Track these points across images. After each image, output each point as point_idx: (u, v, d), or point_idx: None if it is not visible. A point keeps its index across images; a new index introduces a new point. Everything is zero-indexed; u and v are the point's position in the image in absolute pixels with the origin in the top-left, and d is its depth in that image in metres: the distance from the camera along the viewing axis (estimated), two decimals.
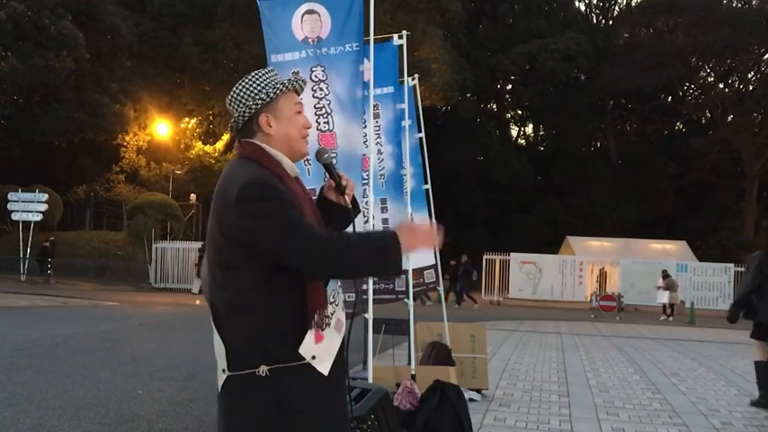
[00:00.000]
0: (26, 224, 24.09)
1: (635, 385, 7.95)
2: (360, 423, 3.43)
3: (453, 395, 4.70)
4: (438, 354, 6.34)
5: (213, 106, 33.06)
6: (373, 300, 4.85)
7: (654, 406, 6.73)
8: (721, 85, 42.47)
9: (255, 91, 2.26)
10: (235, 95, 2.28)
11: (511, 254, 27.83)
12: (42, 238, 24.92)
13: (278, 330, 2.13)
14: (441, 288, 7.56)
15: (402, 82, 6.64)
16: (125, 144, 31.00)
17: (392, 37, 6.16)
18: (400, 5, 29.42)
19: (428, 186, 7.35)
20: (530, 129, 50.76)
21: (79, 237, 27.95)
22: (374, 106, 5.65)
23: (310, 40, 4.73)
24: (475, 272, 29.85)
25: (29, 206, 24.12)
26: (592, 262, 28.15)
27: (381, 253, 2.12)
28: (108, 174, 31.55)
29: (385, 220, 6.07)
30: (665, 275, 23.00)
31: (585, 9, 47.50)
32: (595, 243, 31.07)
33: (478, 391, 6.73)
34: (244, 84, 2.28)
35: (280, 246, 2.09)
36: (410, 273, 6.09)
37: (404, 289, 6.05)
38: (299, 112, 2.30)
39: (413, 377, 5.65)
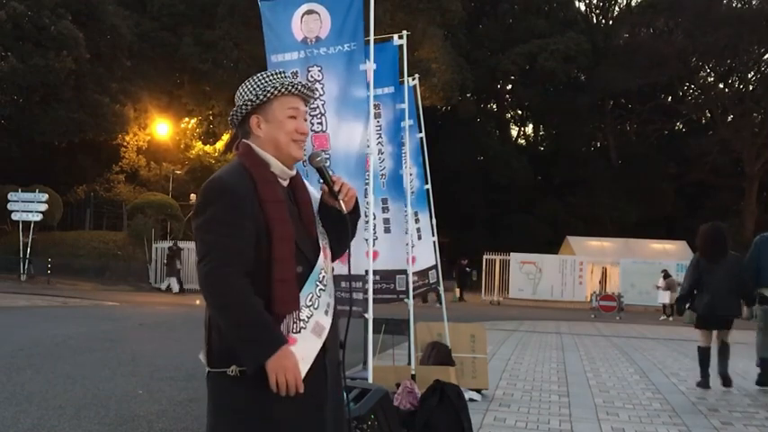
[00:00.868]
0: (26, 224, 24.10)
1: (635, 385, 7.95)
2: (360, 423, 3.43)
3: (453, 395, 4.70)
4: (438, 354, 6.34)
5: (213, 106, 33.06)
6: (374, 299, 4.84)
7: (654, 406, 6.73)
8: (721, 85, 42.47)
9: (249, 92, 2.30)
10: (237, 94, 2.35)
11: (511, 254, 27.82)
12: (41, 238, 24.94)
13: None
14: (441, 288, 7.57)
15: (402, 82, 6.63)
16: (125, 144, 30.99)
17: (392, 37, 6.15)
18: (400, 5, 29.41)
19: (428, 186, 7.35)
20: (530, 129, 50.82)
21: (79, 237, 27.94)
22: (375, 106, 5.64)
23: (309, 41, 4.73)
24: (475, 272, 29.84)
25: (29, 206, 24.13)
26: (592, 262, 28.15)
27: (252, 337, 2.10)
28: (108, 174, 31.54)
29: (386, 220, 6.07)
30: (666, 275, 23.01)
31: (585, 9, 47.54)
32: (595, 243, 31.07)
33: (478, 391, 6.73)
34: (244, 83, 2.33)
35: (199, 249, 2.18)
36: (410, 274, 6.09)
37: (404, 288, 6.05)
38: (293, 117, 2.30)
39: (413, 377, 5.66)
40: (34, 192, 24.34)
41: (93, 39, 26.26)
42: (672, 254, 28.93)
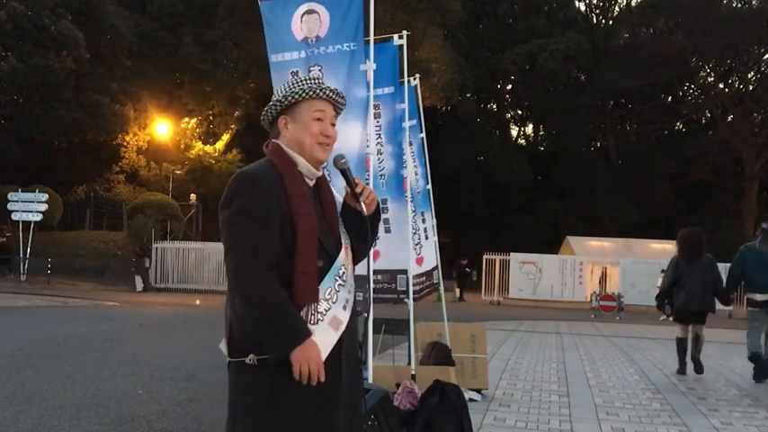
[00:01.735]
0: (26, 224, 24.10)
1: (635, 385, 7.95)
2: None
3: (453, 395, 4.70)
4: (438, 354, 6.33)
5: (213, 106, 33.06)
6: (375, 299, 4.85)
7: (654, 406, 6.73)
8: (721, 85, 42.46)
9: (279, 93, 2.43)
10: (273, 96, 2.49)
11: (511, 254, 27.80)
12: (41, 238, 24.93)
13: None
14: (442, 288, 7.57)
15: (402, 82, 6.63)
16: (125, 144, 30.99)
17: (392, 37, 6.14)
18: (400, 5, 29.42)
19: (429, 186, 7.36)
20: (530, 129, 50.84)
21: (79, 237, 27.92)
22: (375, 106, 5.64)
23: (309, 40, 4.73)
24: (475, 272, 29.81)
25: (29, 206, 24.13)
26: (592, 262, 28.14)
27: (277, 328, 2.17)
28: (108, 174, 31.53)
29: (386, 220, 6.07)
30: None
31: (585, 9, 47.55)
32: (595, 243, 31.06)
33: (478, 391, 6.73)
34: (279, 87, 2.49)
35: (225, 240, 2.24)
36: (410, 275, 6.08)
37: (404, 288, 6.04)
38: (319, 119, 2.39)
39: (413, 377, 5.65)
40: (34, 192, 24.34)
41: (93, 39, 26.27)
42: (672, 254, 28.33)
